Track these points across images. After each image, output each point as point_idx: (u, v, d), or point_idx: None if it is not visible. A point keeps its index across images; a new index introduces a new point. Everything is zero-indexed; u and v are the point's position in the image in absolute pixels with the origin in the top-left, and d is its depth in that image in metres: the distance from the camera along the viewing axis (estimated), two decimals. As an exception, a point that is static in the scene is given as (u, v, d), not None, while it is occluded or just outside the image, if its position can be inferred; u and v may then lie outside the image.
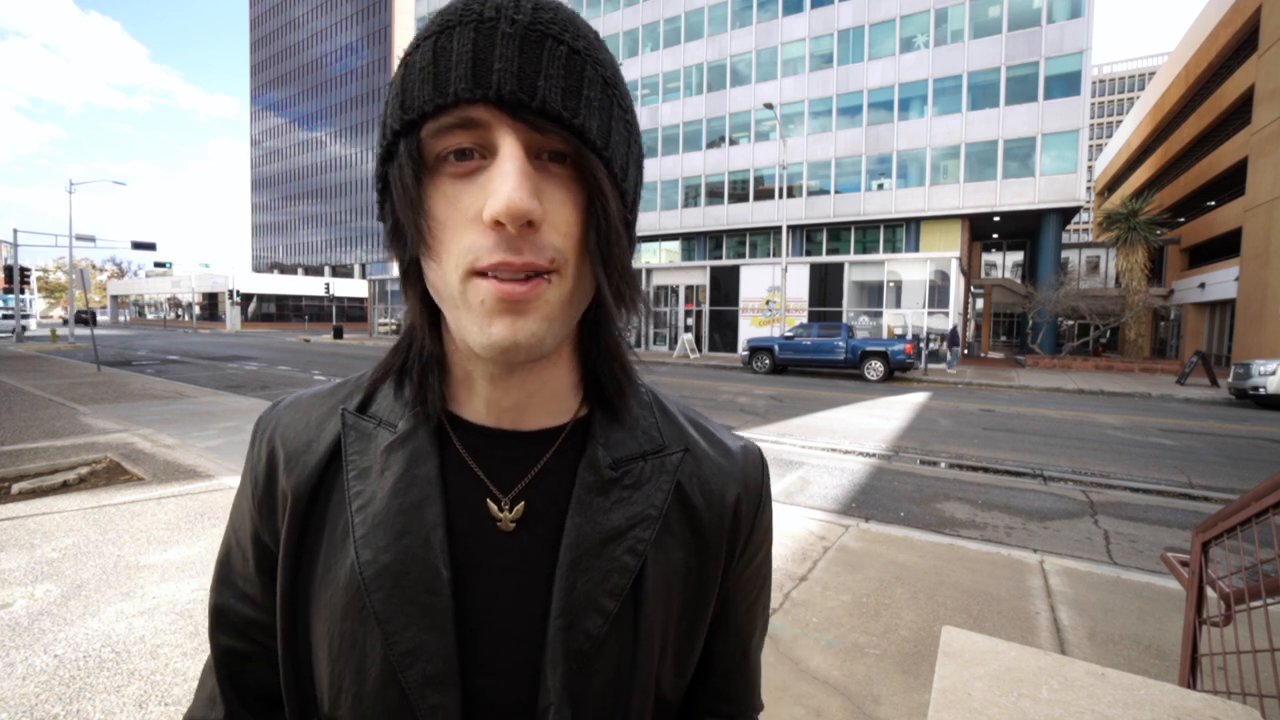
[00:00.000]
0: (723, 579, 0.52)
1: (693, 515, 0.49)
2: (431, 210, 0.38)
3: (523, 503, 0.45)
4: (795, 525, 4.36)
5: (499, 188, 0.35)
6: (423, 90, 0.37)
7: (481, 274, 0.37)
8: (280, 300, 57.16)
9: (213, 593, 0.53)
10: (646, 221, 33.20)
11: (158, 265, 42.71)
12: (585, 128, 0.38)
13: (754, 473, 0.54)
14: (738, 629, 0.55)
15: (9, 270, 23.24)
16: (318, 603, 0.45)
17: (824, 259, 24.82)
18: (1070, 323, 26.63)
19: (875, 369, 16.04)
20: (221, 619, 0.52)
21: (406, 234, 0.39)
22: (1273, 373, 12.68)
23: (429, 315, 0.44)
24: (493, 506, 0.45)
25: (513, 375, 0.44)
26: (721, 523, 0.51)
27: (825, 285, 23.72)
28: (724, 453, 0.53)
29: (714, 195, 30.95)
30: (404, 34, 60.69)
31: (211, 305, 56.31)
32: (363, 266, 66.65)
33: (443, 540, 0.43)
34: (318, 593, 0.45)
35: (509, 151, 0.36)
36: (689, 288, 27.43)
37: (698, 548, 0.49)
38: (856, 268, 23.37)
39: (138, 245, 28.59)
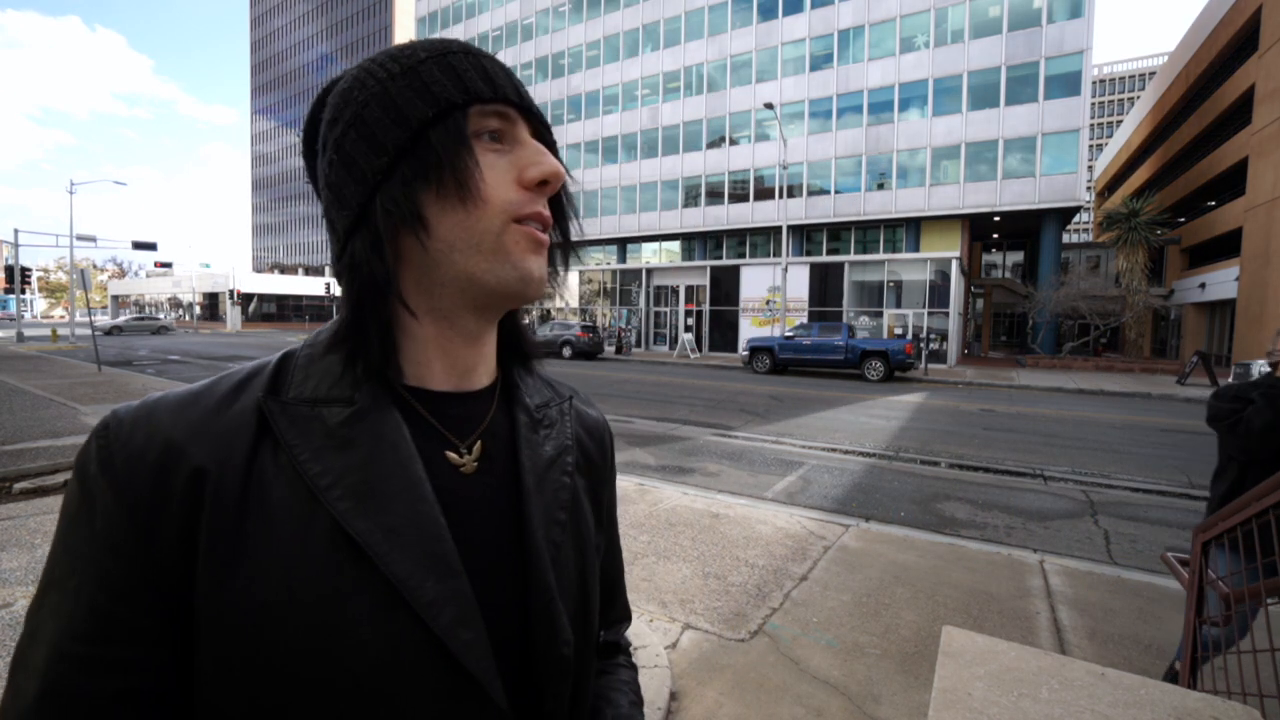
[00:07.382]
0: (604, 503, 0.65)
1: (584, 448, 0.61)
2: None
3: (479, 443, 0.52)
4: (795, 525, 4.36)
5: (541, 159, 0.49)
6: (475, 83, 0.48)
7: (519, 221, 0.48)
8: (281, 300, 57.10)
9: (60, 695, 0.39)
10: (647, 221, 33.17)
11: (159, 265, 42.52)
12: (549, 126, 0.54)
13: (603, 420, 0.68)
14: (616, 550, 0.68)
15: (9, 270, 23.25)
16: (255, 606, 0.41)
17: (824, 259, 24.82)
18: (1070, 323, 26.60)
19: (875, 369, 16.05)
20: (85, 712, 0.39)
21: (467, 183, 0.46)
22: (1273, 373, 12.66)
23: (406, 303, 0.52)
24: (452, 455, 0.51)
25: (473, 343, 0.53)
26: (604, 455, 0.65)
27: (825, 285, 23.72)
28: (586, 403, 0.67)
29: (714, 195, 30.95)
30: (404, 35, 60.68)
31: (212, 305, 56.27)
32: (363, 266, 66.53)
33: (430, 492, 0.47)
34: (254, 593, 0.41)
35: (529, 136, 0.51)
36: (689, 288, 27.42)
37: (590, 473, 0.61)
38: (856, 268, 23.37)
39: (138, 245, 28.60)
